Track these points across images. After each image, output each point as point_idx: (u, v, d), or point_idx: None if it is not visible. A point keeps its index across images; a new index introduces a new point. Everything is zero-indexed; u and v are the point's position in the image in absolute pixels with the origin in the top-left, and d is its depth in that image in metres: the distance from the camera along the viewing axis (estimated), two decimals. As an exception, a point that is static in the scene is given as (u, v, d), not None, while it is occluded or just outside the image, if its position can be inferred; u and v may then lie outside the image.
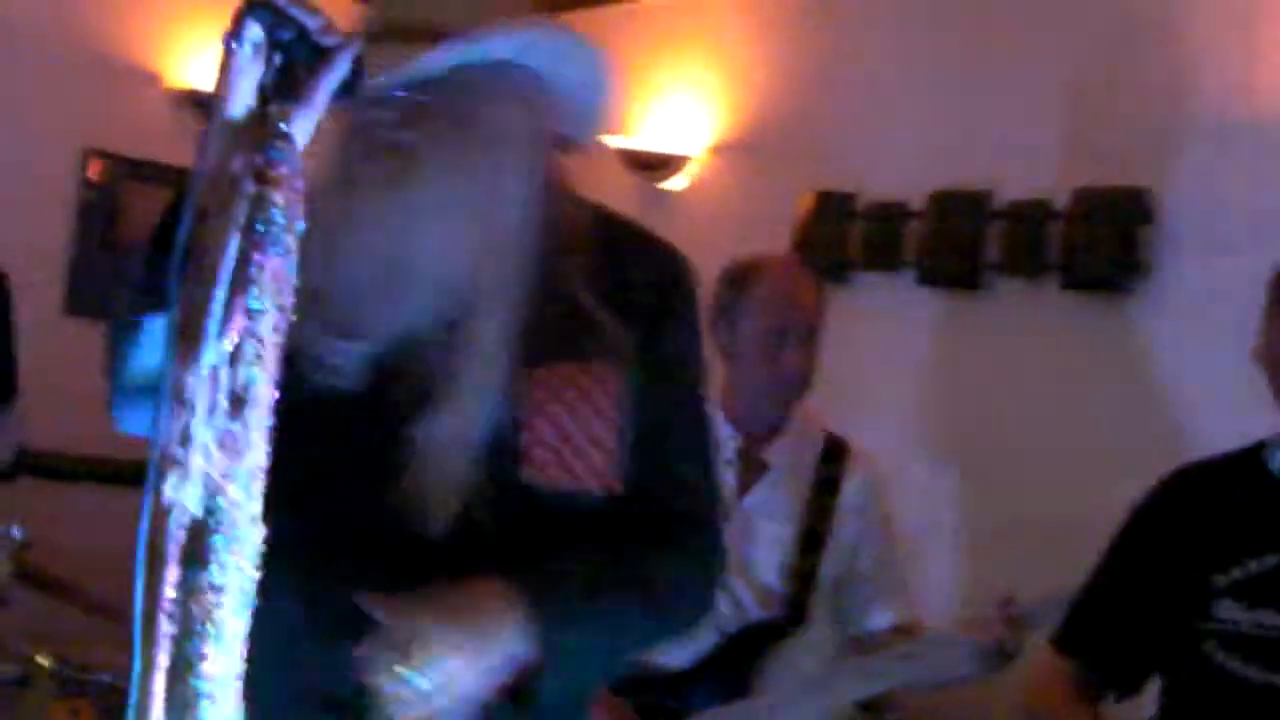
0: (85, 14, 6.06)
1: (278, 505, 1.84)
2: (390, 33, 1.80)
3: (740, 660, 3.12)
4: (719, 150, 5.59)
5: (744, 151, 5.53)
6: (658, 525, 1.96)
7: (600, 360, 1.90)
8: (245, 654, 1.43)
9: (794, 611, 3.20)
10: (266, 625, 1.85)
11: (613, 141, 5.63)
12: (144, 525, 1.37)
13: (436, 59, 1.78)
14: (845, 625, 3.32)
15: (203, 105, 5.77)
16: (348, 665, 1.80)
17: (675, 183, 5.70)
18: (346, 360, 1.84)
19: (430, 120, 1.80)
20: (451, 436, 1.83)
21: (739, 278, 3.30)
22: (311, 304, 1.72)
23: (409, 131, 1.80)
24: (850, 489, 3.30)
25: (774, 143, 5.42)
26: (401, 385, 1.85)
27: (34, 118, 5.88)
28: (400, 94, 1.79)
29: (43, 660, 3.91)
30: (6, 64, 5.82)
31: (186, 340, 1.42)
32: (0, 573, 2.63)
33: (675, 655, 3.08)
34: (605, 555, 1.91)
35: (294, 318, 1.62)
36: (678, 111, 5.65)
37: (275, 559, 1.86)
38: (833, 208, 5.02)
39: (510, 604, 1.79)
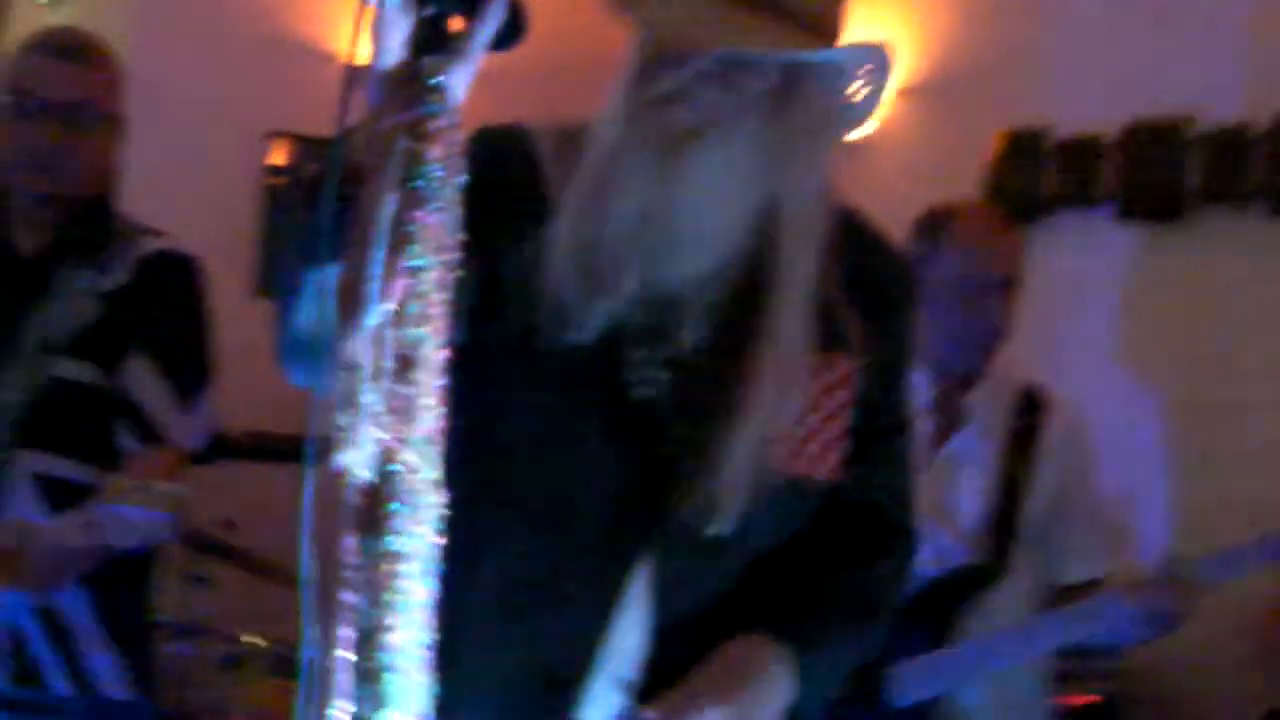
0: (264, -1, 6.12)
1: (527, 477, 1.88)
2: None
3: (942, 607, 3.05)
4: (906, 94, 5.47)
5: (931, 94, 5.41)
6: (871, 531, 1.98)
7: (838, 353, 1.88)
8: (447, 625, 1.39)
9: (995, 559, 3.12)
10: (485, 599, 1.86)
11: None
12: (308, 493, 1.34)
13: (799, 54, 1.76)
14: (1046, 573, 3.22)
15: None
16: (580, 644, 1.83)
17: (861, 131, 5.59)
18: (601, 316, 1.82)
19: (756, 91, 1.76)
20: (754, 437, 1.81)
21: (933, 224, 3.19)
22: (581, 255, 1.79)
23: (726, 95, 1.76)
24: (1050, 438, 3.19)
25: (961, 83, 5.31)
26: (698, 384, 1.84)
27: (215, 102, 5.93)
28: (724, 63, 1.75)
29: (253, 640, 3.97)
30: (185, 50, 5.88)
31: (348, 303, 1.38)
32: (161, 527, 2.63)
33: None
34: (839, 579, 1.94)
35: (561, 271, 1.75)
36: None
37: (511, 528, 1.87)
38: (1024, 146, 4.91)
39: (779, 665, 1.82)
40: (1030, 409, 3.21)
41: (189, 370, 2.88)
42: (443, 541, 1.39)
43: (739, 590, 1.87)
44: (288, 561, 3.78)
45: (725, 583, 1.87)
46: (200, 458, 2.95)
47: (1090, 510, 3.25)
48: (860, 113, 1.89)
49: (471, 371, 1.65)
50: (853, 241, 1.92)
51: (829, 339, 1.86)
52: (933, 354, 3.15)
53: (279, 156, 6.09)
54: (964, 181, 4.83)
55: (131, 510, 2.48)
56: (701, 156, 1.77)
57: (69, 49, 2.85)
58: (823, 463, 1.88)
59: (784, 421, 1.83)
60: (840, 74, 1.83)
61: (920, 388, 3.11)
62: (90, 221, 2.88)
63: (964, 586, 3.10)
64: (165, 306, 2.89)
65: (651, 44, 1.76)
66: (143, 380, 2.80)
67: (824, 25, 1.79)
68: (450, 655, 1.38)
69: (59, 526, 2.62)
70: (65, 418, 2.79)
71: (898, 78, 5.44)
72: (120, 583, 2.83)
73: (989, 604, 3.10)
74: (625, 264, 1.80)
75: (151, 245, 2.92)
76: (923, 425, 3.11)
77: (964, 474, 3.16)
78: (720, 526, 1.81)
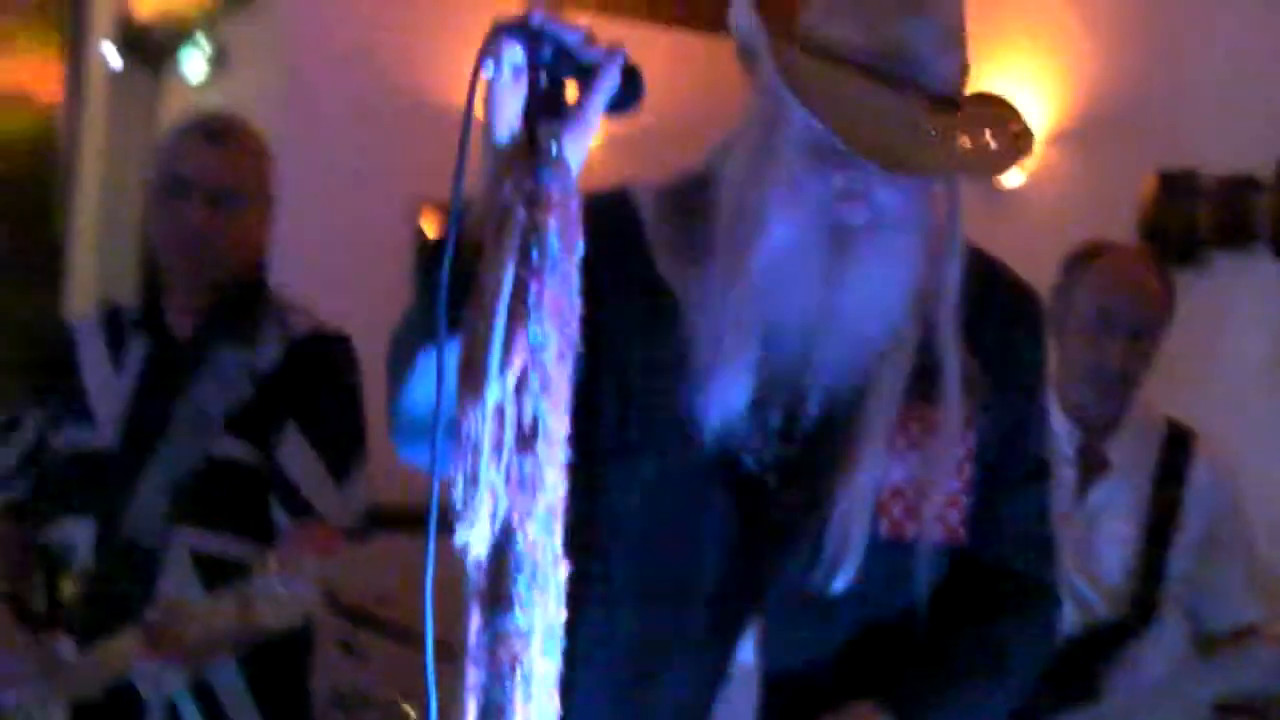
0: (411, 67, 6.18)
1: (638, 550, 1.86)
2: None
3: (1086, 662, 2.98)
4: (1055, 140, 5.41)
5: (1080, 139, 5.34)
6: (1001, 588, 1.92)
7: (952, 401, 1.83)
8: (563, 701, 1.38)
9: (1141, 611, 3.04)
10: (597, 676, 1.84)
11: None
12: (429, 569, 1.33)
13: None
14: (1196, 622, 3.14)
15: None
16: (692, 715, 1.83)
17: (1014, 179, 5.53)
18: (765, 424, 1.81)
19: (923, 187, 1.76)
20: (862, 497, 1.79)
21: (1078, 257, 3.15)
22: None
23: (896, 192, 1.74)
24: (1197, 481, 3.10)
25: (1111, 126, 5.23)
26: (811, 449, 1.82)
27: (366, 172, 6.01)
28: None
29: (408, 708, 3.98)
30: (335, 121, 5.98)
31: (469, 376, 1.37)
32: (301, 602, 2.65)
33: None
34: (960, 640, 1.88)
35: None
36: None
37: (622, 600, 1.86)
38: (1177, 187, 4.82)
39: None
40: (1175, 450, 3.13)
41: (341, 446, 2.90)
42: (565, 615, 1.37)
43: (855, 654, 1.84)
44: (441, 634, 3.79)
45: (838, 647, 1.84)
46: (355, 533, 2.96)
47: (1242, 552, 3.15)
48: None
49: (583, 442, 1.65)
50: (974, 278, 1.85)
51: (939, 384, 1.81)
52: (1069, 398, 3.10)
53: (430, 224, 6.15)
54: (1118, 225, 4.75)
55: (281, 587, 2.49)
56: (871, 255, 1.75)
57: (216, 133, 2.89)
58: (939, 523, 1.83)
59: (896, 482, 1.80)
60: None
61: (1060, 437, 3.06)
62: (241, 302, 2.91)
63: (1109, 642, 3.03)
64: (317, 386, 2.91)
65: (822, 138, 1.68)
66: (296, 457, 2.82)
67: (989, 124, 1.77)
68: None
69: (211, 603, 2.64)
70: (221, 495, 2.82)
71: (1047, 125, 5.37)
72: (275, 656, 2.85)
73: (1136, 659, 3.03)
74: (782, 365, 1.78)
75: (304, 325, 2.95)
76: (1064, 476, 3.05)
77: (1107, 524, 3.08)
78: (829, 589, 1.78)
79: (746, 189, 1.78)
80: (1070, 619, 2.99)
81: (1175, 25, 5.00)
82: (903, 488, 1.81)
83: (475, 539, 1.36)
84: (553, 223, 1.38)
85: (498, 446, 1.36)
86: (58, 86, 6.84)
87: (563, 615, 1.38)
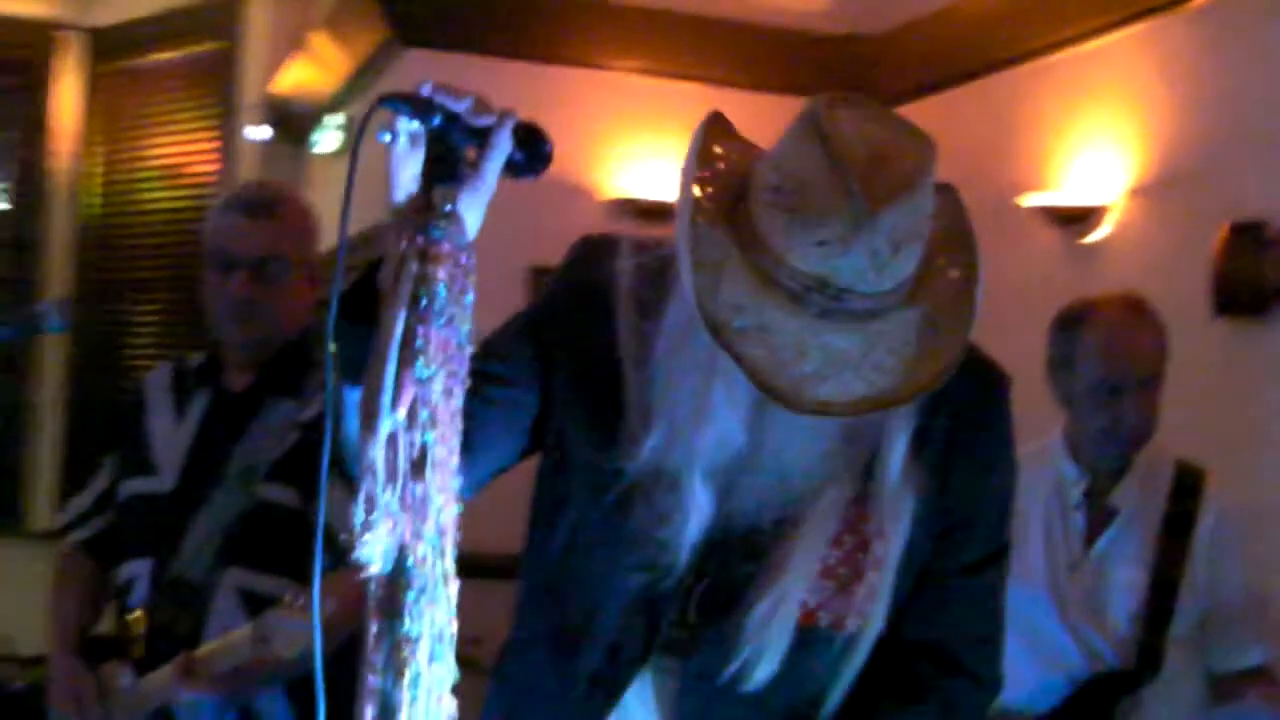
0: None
1: (558, 593, 1.94)
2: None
3: (1094, 710, 3.02)
4: (1137, 194, 5.46)
5: (1161, 192, 5.37)
6: (920, 675, 1.90)
7: (886, 500, 1.81)
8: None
9: (1148, 659, 3.06)
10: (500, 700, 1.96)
11: (1032, 199, 5.58)
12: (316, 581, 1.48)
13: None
14: (1208, 663, 3.16)
15: (646, 213, 6.01)
16: None
17: (1097, 234, 5.59)
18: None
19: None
20: (780, 613, 1.80)
21: (1071, 323, 3.19)
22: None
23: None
24: (1206, 524, 3.13)
25: (1189, 179, 5.26)
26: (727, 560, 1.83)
27: (484, 240, 6.18)
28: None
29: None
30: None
31: (366, 409, 1.53)
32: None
33: (1026, 700, 3.03)
34: None
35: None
36: (1095, 162, 5.55)
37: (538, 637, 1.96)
38: (1248, 237, 4.84)
39: None
40: (1183, 493, 3.15)
41: None
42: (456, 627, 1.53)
43: None
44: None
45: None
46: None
47: (1253, 594, 3.17)
48: None
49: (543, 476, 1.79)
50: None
51: (879, 489, 1.80)
52: (1080, 451, 3.15)
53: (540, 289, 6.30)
54: (1194, 276, 4.80)
55: (296, 624, 2.63)
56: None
57: (255, 206, 3.08)
58: (857, 616, 1.83)
59: (812, 575, 1.80)
60: None
61: (1070, 483, 3.13)
62: (289, 359, 3.10)
63: (1118, 688, 3.05)
64: None
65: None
66: (336, 503, 2.98)
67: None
68: None
69: (230, 636, 2.80)
70: (268, 537, 2.98)
71: (1127, 180, 5.43)
72: (330, 688, 3.00)
73: (1145, 706, 3.05)
74: (704, 484, 1.79)
75: None
76: (1073, 522, 3.12)
77: (1115, 571, 3.12)
78: (738, 677, 1.81)
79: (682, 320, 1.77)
80: (1080, 667, 3.04)
81: (1247, 82, 5.04)
82: (822, 582, 1.82)
83: (373, 555, 1.53)
84: (442, 274, 1.55)
85: (391, 473, 1.53)
86: (213, 160, 7.19)
87: (453, 625, 1.54)
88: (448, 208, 1.57)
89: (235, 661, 2.74)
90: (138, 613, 3.00)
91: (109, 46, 7.57)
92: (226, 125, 7.18)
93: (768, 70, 6.12)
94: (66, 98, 7.62)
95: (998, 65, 5.81)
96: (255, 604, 2.93)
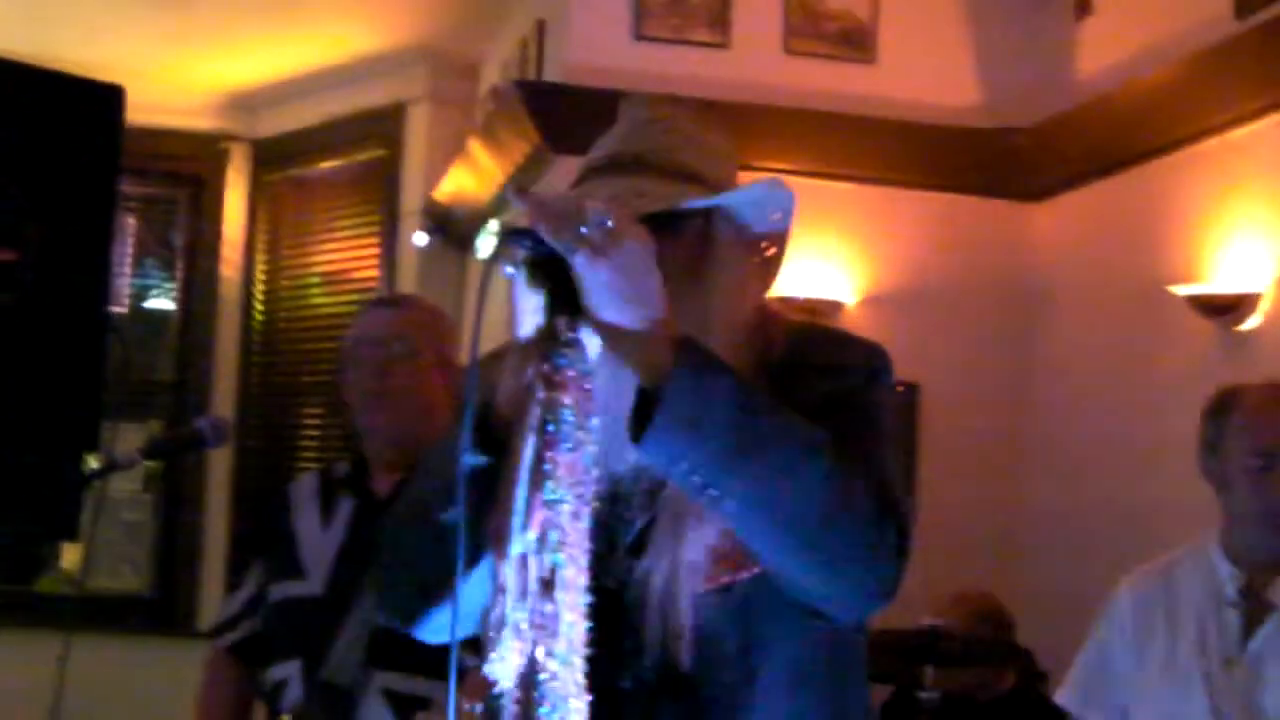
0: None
1: None
2: (618, 166, 1.85)
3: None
4: (1289, 281, 5.42)
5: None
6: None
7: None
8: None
9: None
10: None
11: (1184, 289, 5.55)
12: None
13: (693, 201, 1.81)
14: None
15: (805, 311, 6.05)
16: None
17: (1250, 323, 5.55)
18: None
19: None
20: (675, 580, 1.80)
21: (1220, 407, 3.19)
22: None
23: None
24: None
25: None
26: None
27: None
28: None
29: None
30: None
31: (500, 535, 1.61)
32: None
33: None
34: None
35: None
36: (1245, 250, 5.52)
37: None
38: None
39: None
40: None
41: None
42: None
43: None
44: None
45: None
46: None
47: None
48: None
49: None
50: (800, 351, 1.88)
51: None
52: (1236, 543, 3.12)
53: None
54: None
55: None
56: None
57: (383, 300, 3.33)
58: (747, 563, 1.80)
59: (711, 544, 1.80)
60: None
61: (1225, 580, 3.10)
62: None
63: None
64: None
65: None
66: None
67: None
68: None
69: None
70: (414, 640, 3.07)
71: (1277, 267, 5.39)
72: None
73: None
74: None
75: None
76: (1228, 620, 3.09)
77: (1272, 669, 3.05)
78: (677, 660, 1.80)
79: None
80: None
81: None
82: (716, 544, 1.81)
83: (503, 671, 1.60)
84: (568, 400, 1.62)
85: (522, 592, 1.60)
86: (374, 265, 7.36)
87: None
88: (570, 335, 1.64)
89: None
90: (288, 717, 3.09)
91: (274, 156, 7.82)
92: (388, 231, 7.34)
93: (922, 166, 6.15)
94: (234, 207, 7.88)
95: (1147, 155, 5.79)
96: (403, 706, 3.00)
